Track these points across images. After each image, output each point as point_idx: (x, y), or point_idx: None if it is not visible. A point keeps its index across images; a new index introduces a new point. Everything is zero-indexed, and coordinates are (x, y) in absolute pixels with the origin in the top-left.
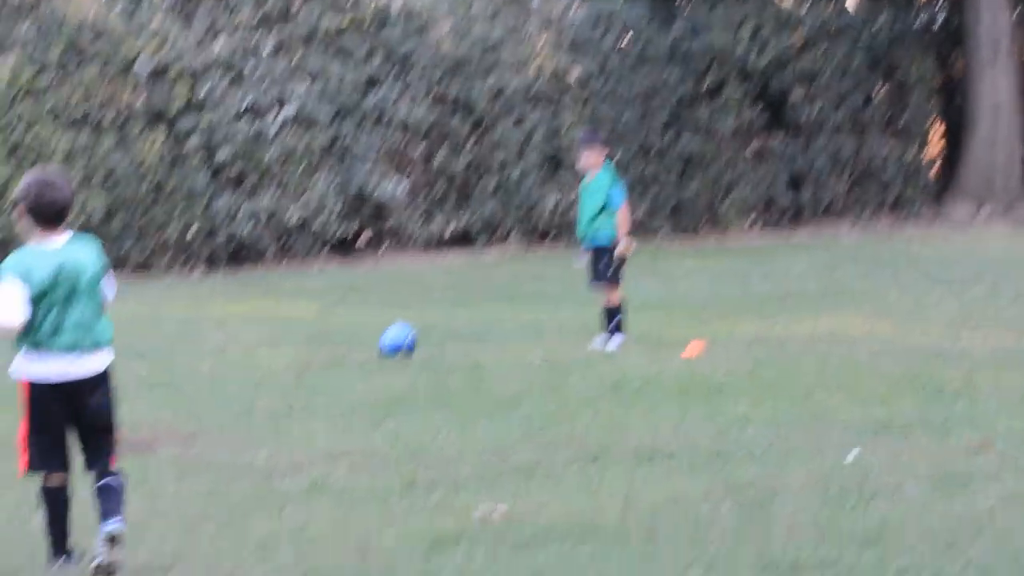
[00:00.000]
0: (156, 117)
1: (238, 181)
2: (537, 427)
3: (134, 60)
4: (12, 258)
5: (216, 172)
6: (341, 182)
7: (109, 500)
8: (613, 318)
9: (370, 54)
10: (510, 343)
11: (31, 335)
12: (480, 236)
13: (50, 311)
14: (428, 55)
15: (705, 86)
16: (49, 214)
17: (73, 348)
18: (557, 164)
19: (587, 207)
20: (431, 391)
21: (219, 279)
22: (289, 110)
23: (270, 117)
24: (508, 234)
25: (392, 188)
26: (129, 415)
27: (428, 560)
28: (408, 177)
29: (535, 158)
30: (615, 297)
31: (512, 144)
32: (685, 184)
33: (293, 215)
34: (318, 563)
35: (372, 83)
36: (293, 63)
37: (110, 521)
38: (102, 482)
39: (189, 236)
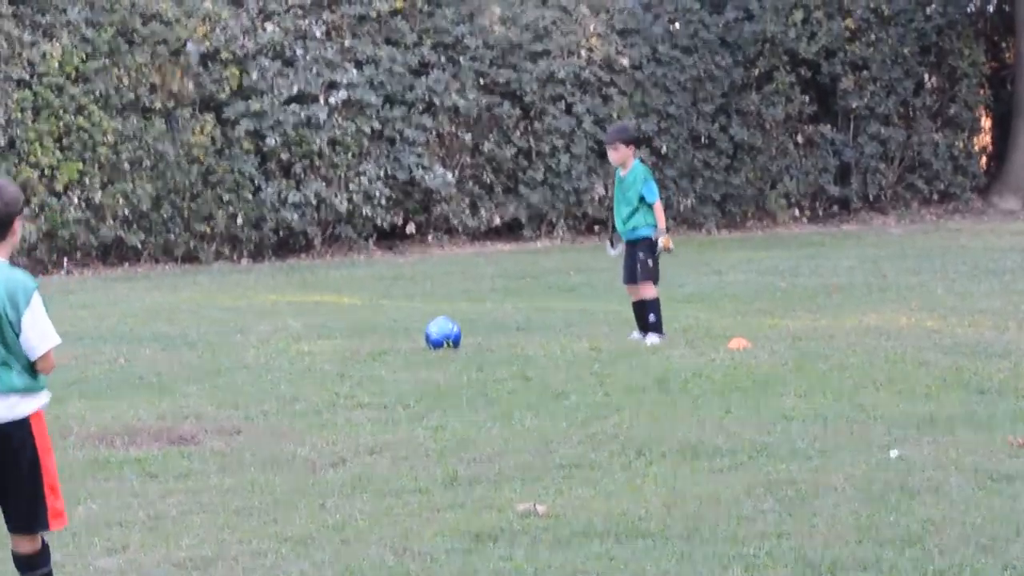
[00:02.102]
0: (205, 103)
1: (286, 169)
2: (582, 420)
3: (184, 45)
4: None
5: (264, 159)
6: (389, 170)
7: None
8: (651, 312)
9: (420, 39)
10: (557, 335)
11: None
12: (528, 225)
13: None
14: (478, 40)
15: (755, 74)
16: None
17: None
18: (605, 152)
19: (622, 203)
20: (476, 384)
21: (266, 268)
22: (338, 96)
23: (319, 103)
24: (555, 224)
25: (440, 176)
26: (174, 407)
27: (468, 557)
28: (456, 165)
29: (584, 146)
30: (651, 291)
31: (561, 132)
32: (733, 174)
33: (341, 203)
34: (357, 559)
35: (422, 69)
36: (343, 48)
37: None
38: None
39: (236, 224)
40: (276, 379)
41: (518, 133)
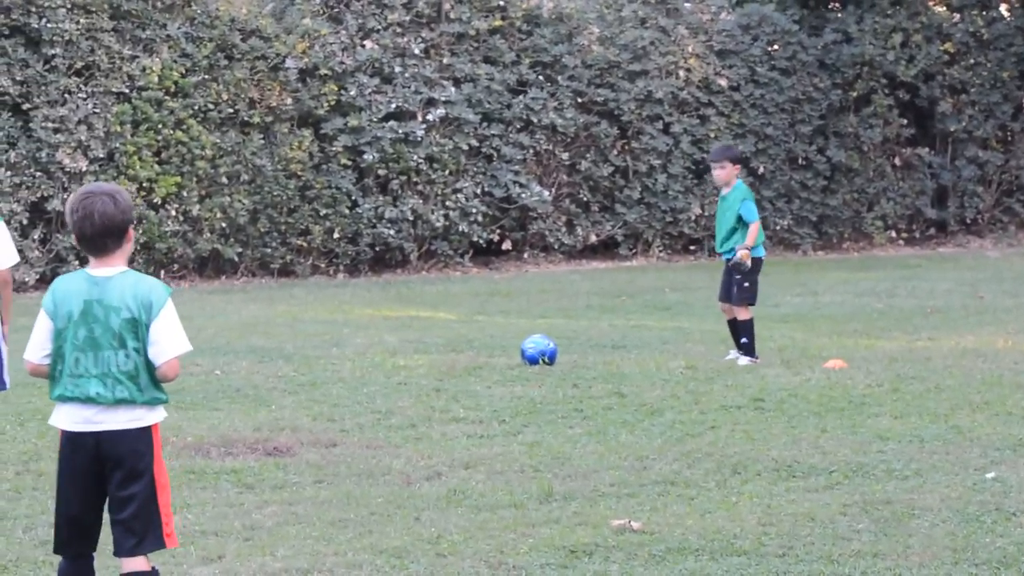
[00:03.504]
0: (303, 119)
1: (383, 185)
2: (677, 438)
3: (283, 60)
4: (53, 285)
5: (361, 175)
6: (486, 187)
7: None
8: (743, 334)
9: (518, 58)
10: (652, 352)
11: (53, 376)
12: (624, 244)
13: (73, 351)
14: (576, 60)
15: (853, 95)
16: (87, 233)
17: (92, 399)
18: (702, 172)
19: (722, 223)
20: (571, 400)
21: (362, 283)
22: (436, 113)
23: (417, 120)
24: (652, 242)
25: (537, 194)
26: (270, 418)
27: (562, 572)
28: (553, 183)
29: (680, 166)
30: (745, 313)
31: (658, 151)
32: (830, 195)
33: (437, 220)
34: (452, 572)
35: (520, 87)
36: (441, 66)
37: None
38: None
39: (333, 239)
40: (372, 392)
41: (615, 152)
